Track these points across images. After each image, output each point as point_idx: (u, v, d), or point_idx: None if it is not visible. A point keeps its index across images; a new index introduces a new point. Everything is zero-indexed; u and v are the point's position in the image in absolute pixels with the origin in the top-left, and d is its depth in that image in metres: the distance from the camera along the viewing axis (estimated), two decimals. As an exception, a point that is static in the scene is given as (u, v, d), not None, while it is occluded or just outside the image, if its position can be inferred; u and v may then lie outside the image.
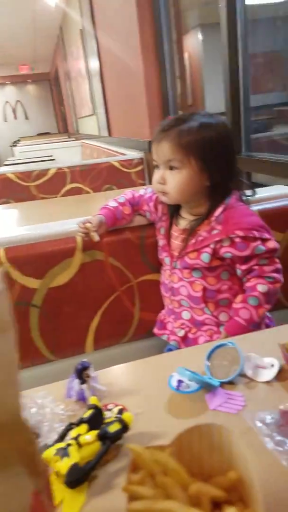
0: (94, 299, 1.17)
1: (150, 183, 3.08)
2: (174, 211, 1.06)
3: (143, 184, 2.93)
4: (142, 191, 1.18)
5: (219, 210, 0.95)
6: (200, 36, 5.88)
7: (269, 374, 0.60)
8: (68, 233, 1.15)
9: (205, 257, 0.96)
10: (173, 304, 1.08)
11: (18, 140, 8.33)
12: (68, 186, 2.87)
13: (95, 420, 0.53)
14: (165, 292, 1.11)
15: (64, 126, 10.65)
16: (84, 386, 0.60)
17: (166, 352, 0.73)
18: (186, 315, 1.05)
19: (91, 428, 0.52)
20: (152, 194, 1.13)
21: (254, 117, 2.16)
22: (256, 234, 0.92)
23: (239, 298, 0.95)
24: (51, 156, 5.77)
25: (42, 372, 1.18)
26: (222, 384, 0.61)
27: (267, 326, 1.02)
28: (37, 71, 11.18)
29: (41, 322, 1.14)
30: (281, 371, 0.62)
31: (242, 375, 0.63)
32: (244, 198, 1.01)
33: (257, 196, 1.07)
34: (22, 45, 8.10)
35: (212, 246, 0.95)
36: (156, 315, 1.17)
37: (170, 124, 0.95)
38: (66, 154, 5.63)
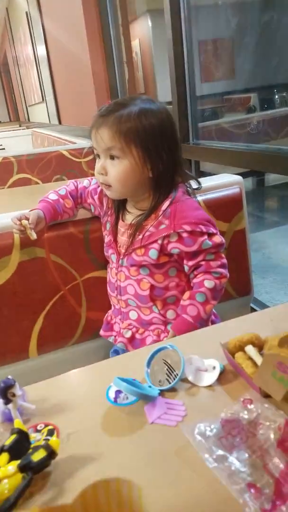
0: (36, 300, 1.09)
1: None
2: (120, 205, 1.00)
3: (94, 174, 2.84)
4: (86, 182, 1.11)
5: (165, 204, 0.91)
6: (149, 22, 5.79)
7: (210, 377, 0.57)
8: (4, 228, 1.07)
9: (152, 253, 0.92)
10: (120, 304, 1.03)
11: None
12: (15, 177, 2.74)
13: (19, 447, 0.47)
14: (111, 291, 1.06)
15: (15, 114, 10.26)
16: (10, 405, 0.54)
17: (106, 360, 0.67)
18: (133, 315, 1.01)
19: (13, 457, 0.46)
20: (97, 186, 1.06)
21: (204, 106, 2.13)
22: (203, 228, 0.89)
23: (186, 295, 0.92)
24: (1, 145, 5.54)
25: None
26: (163, 392, 0.57)
27: (213, 322, 1.00)
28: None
29: (-21, 326, 1.05)
30: (222, 373, 0.58)
31: (184, 379, 0.59)
32: (190, 191, 0.97)
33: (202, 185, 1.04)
34: None
35: (159, 242, 0.91)
36: (104, 314, 1.12)
37: (108, 108, 0.88)
38: (17, 144, 5.41)
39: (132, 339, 1.00)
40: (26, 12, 4.50)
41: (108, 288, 1.08)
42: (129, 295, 0.99)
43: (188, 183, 0.98)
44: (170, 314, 0.97)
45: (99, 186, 1.04)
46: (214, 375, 0.57)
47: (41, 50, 4.03)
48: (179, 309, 0.93)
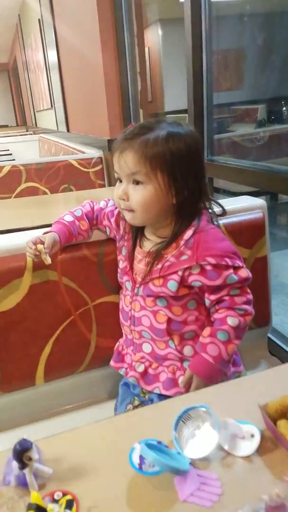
0: (46, 325, 1.03)
1: (109, 184, 2.97)
2: (138, 230, 0.94)
3: (103, 185, 2.80)
4: (102, 203, 1.06)
5: (188, 233, 0.85)
6: (159, 31, 5.78)
7: (248, 447, 0.50)
8: (17, 249, 1.01)
9: (172, 285, 0.85)
10: (133, 334, 0.96)
11: (-28, 133, 7.91)
12: (23, 185, 2.70)
13: None
14: (124, 320, 0.99)
15: (22, 119, 10.26)
16: (25, 470, 0.48)
17: (128, 413, 0.61)
18: (147, 347, 0.94)
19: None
20: (114, 208, 1.01)
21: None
22: (229, 262, 0.83)
23: (207, 331, 0.86)
24: (7, 150, 5.51)
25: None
26: (193, 460, 0.50)
27: (234, 363, 0.93)
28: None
29: (-16, 352, 0.99)
30: (261, 440, 0.52)
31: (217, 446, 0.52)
32: (214, 220, 0.92)
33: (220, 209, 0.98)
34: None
35: (180, 273, 0.84)
36: (115, 342, 1.06)
37: (134, 132, 0.83)
38: (24, 149, 5.39)
39: (144, 374, 0.94)
40: (39, 19, 4.48)
41: (120, 316, 1.02)
42: (143, 326, 0.92)
43: (211, 208, 0.92)
44: (187, 350, 0.91)
45: (116, 208, 0.99)
46: (253, 444, 0.50)
47: (52, 56, 4.00)
48: (198, 347, 0.87)
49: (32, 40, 5.50)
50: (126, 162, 0.82)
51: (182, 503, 0.46)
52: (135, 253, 0.94)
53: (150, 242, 0.91)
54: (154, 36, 5.80)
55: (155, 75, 5.87)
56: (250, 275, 0.86)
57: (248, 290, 0.87)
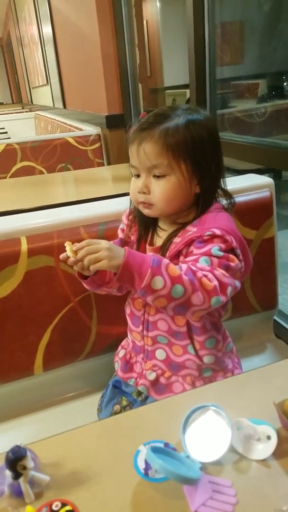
0: (44, 313, 0.99)
1: (108, 162, 2.89)
2: (149, 226, 0.87)
3: (101, 164, 2.72)
4: (120, 234, 0.94)
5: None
6: (157, 4, 5.56)
7: (264, 450, 0.46)
8: (12, 232, 0.96)
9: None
10: (145, 340, 0.88)
11: None
12: (19, 165, 2.63)
13: None
14: (134, 325, 0.90)
15: (18, 96, 10.01)
16: (20, 479, 0.44)
17: (132, 410, 0.56)
18: (160, 354, 0.86)
19: None
20: (123, 226, 0.93)
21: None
22: (233, 242, 0.74)
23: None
24: (3, 129, 5.38)
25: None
26: (204, 465, 0.46)
27: (235, 366, 0.88)
28: (-13, 35, 10.39)
29: (-20, 341, 0.95)
30: (278, 442, 0.48)
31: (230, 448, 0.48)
32: (226, 206, 0.84)
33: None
34: None
35: (184, 252, 0.78)
36: (116, 329, 1.01)
37: (149, 121, 0.76)
38: (19, 127, 5.25)
39: (155, 383, 0.86)
40: (32, -10, 4.30)
41: (128, 321, 0.92)
42: (159, 331, 0.85)
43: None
44: (207, 359, 0.84)
45: (130, 213, 0.91)
46: (269, 447, 0.46)
47: (47, 30, 3.84)
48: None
49: (26, 13, 5.29)
50: (146, 154, 0.75)
51: (193, 514, 0.42)
52: (146, 252, 0.86)
53: (162, 235, 0.85)
54: (152, 8, 5.59)
55: (154, 49, 5.69)
56: (242, 269, 0.77)
57: (226, 275, 0.72)
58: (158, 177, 0.77)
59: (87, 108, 3.03)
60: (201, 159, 0.76)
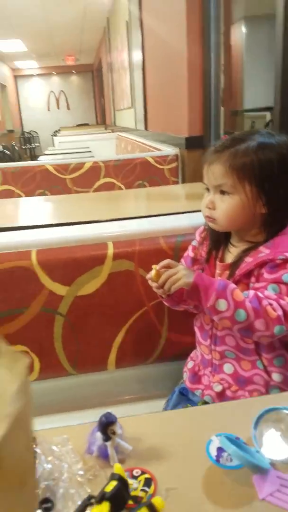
0: (121, 312, 1.07)
1: (183, 181, 2.97)
2: (221, 241, 0.91)
3: (176, 182, 2.82)
4: (190, 253, 1.00)
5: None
6: (243, 29, 5.65)
7: None
8: (100, 238, 1.07)
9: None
10: (213, 354, 0.91)
11: (59, 130, 8.39)
12: (102, 181, 2.81)
13: (119, 496, 0.43)
14: (202, 339, 0.93)
15: (102, 118, 10.62)
16: (108, 443, 0.51)
17: (206, 405, 0.61)
18: (228, 368, 0.88)
19: (113, 507, 0.42)
20: (192, 249, 0.98)
21: None
22: None
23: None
24: (87, 148, 5.74)
25: (61, 385, 1.11)
26: (273, 461, 0.50)
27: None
28: (81, 62, 11.18)
29: (65, 332, 1.06)
30: None
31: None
32: None
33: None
34: (70, 37, 8.08)
35: (255, 273, 0.81)
36: (185, 338, 1.06)
37: (224, 144, 0.83)
38: (102, 146, 5.57)
39: (221, 395, 0.87)
40: (126, 21, 4.61)
41: (197, 333, 0.96)
42: (227, 346, 0.87)
43: None
44: (276, 376, 0.84)
45: (199, 238, 0.97)
46: None
47: (137, 56, 4.10)
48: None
49: (118, 41, 5.67)
50: (213, 173, 0.82)
51: (260, 501, 0.45)
52: (216, 270, 0.90)
53: (233, 251, 0.88)
54: (237, 32, 5.71)
55: (236, 73, 5.77)
56: None
57: None
58: (223, 194, 0.82)
59: (167, 130, 3.17)
60: (268, 182, 0.79)
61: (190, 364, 0.99)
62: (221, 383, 0.88)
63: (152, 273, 0.82)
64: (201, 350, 0.94)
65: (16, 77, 12.23)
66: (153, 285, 0.84)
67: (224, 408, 0.65)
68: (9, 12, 6.02)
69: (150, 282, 0.85)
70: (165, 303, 0.95)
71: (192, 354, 1.01)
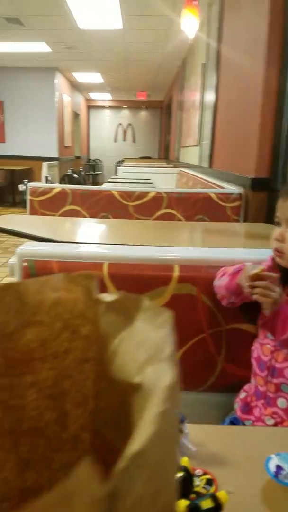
0: (179, 336, 1.07)
1: (245, 220, 2.98)
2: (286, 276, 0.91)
3: (237, 221, 2.84)
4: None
5: None
6: None
7: None
8: (168, 260, 1.11)
9: None
10: (268, 386, 0.90)
11: (123, 161, 8.75)
12: (163, 211, 2.88)
13: (184, 486, 0.44)
14: (259, 369, 0.94)
15: (165, 153, 10.94)
16: (173, 440, 0.52)
17: (265, 427, 0.62)
18: (282, 403, 0.87)
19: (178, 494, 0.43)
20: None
21: None
22: None
23: None
24: (149, 179, 5.93)
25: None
26: None
27: None
28: (151, 98, 11.69)
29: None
30: None
31: None
32: None
33: None
34: (145, 73, 8.50)
35: None
36: (241, 370, 1.05)
37: None
38: (163, 179, 5.73)
39: None
40: (202, 63, 4.81)
41: (254, 364, 0.96)
42: (285, 378, 0.87)
43: None
44: None
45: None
46: None
47: (210, 96, 4.24)
48: None
49: (191, 82, 5.90)
50: (287, 207, 0.86)
51: None
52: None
53: None
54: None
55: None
56: None
57: None
58: None
59: (232, 169, 3.22)
60: None
61: (242, 394, 0.98)
62: (273, 417, 0.87)
63: (256, 270, 0.84)
64: (256, 381, 0.94)
65: (89, 107, 12.97)
66: (246, 280, 0.87)
67: (286, 431, 0.65)
68: (92, 47, 6.46)
69: (245, 274, 0.88)
70: (224, 292, 1.00)
71: (245, 387, 1.00)
